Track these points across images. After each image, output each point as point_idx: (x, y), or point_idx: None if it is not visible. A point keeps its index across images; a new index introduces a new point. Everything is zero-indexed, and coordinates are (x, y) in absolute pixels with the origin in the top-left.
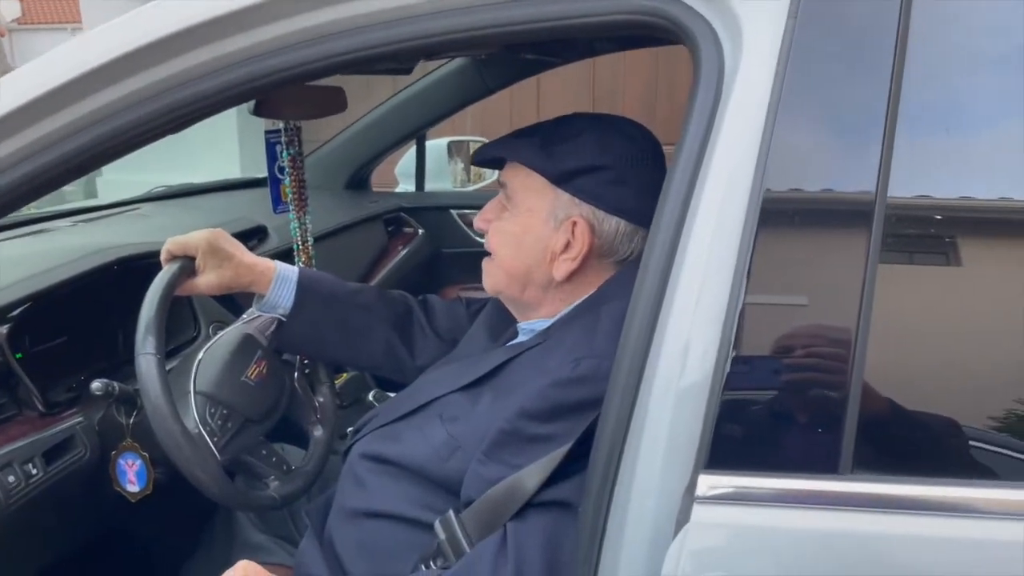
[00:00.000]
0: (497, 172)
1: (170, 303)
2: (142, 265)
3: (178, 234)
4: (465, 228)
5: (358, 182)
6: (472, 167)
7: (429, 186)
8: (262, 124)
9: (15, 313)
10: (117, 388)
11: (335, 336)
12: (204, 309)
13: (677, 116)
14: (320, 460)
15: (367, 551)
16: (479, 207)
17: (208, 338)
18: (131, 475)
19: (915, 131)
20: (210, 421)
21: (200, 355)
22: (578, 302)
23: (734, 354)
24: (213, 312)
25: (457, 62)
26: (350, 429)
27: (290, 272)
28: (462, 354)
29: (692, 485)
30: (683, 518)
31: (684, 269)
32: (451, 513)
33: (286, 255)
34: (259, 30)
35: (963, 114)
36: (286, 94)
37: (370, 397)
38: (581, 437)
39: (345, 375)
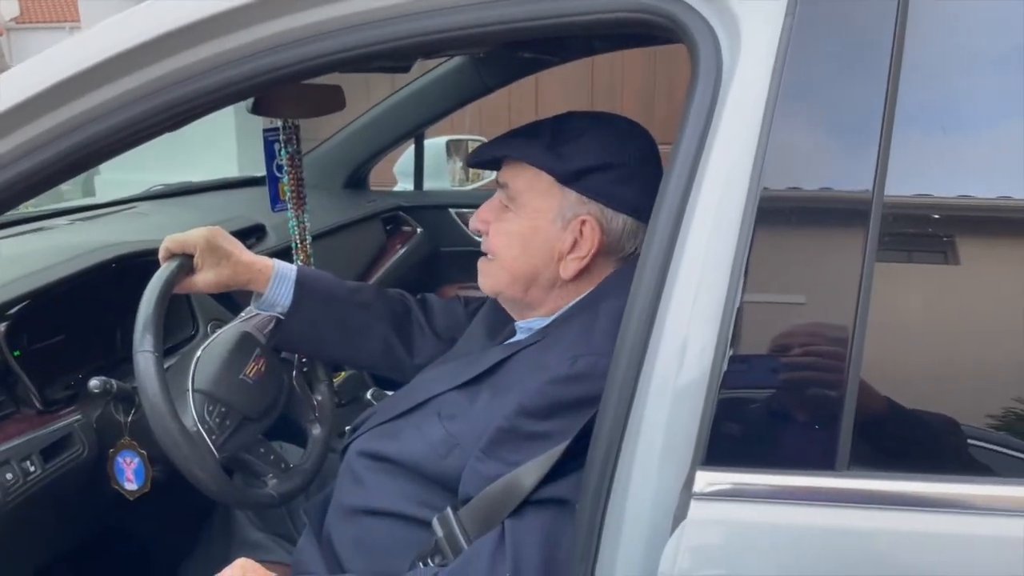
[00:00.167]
0: (495, 172)
1: (168, 301)
2: (140, 263)
3: (176, 232)
4: (463, 227)
5: (356, 181)
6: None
7: (427, 185)
8: (260, 123)
9: (13, 311)
10: (115, 386)
11: (333, 334)
12: (202, 307)
13: (675, 115)
14: (318, 458)
15: (365, 548)
16: (478, 206)
17: (206, 336)
18: (129, 473)
19: (912, 130)
20: (208, 419)
21: (198, 353)
22: (577, 300)
23: (731, 352)
24: (211, 310)
25: (455, 61)
26: (348, 427)
27: (288, 270)
28: (460, 352)
29: (689, 482)
30: (680, 515)
31: (682, 267)
32: (449, 510)
33: (284, 253)
34: (256, 28)
35: (960, 113)
36: (284, 92)
37: (368, 395)
38: (579, 435)
39: (343, 373)
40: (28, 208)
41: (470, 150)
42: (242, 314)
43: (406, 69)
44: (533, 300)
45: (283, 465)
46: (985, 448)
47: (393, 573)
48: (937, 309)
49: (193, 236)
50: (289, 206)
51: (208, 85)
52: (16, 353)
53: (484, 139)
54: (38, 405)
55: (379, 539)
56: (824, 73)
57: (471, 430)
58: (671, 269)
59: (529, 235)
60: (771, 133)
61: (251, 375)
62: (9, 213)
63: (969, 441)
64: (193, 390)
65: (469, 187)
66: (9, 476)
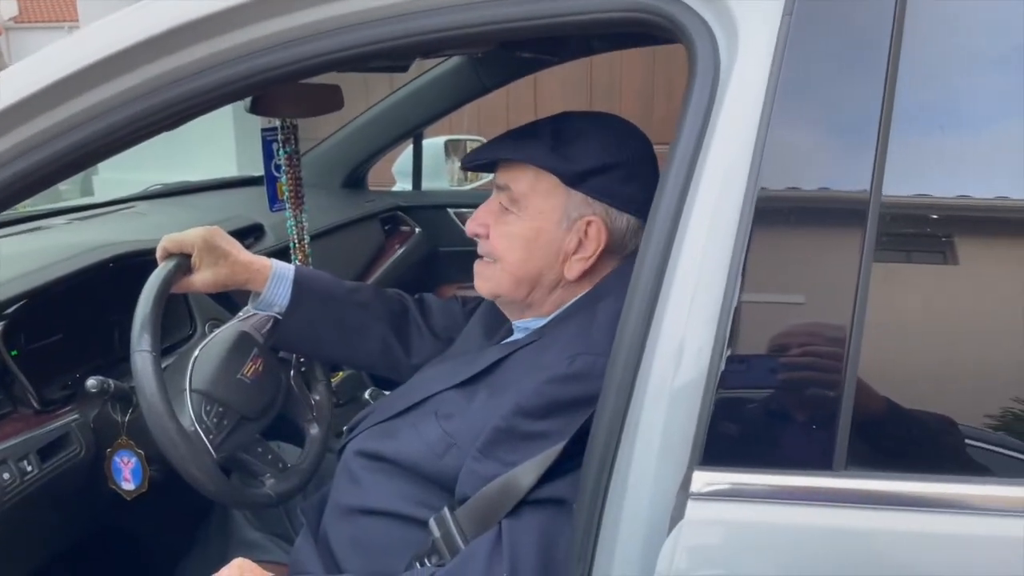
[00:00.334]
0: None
1: (166, 300)
2: (138, 263)
3: (174, 232)
4: (462, 227)
5: (355, 180)
6: None
7: (426, 185)
8: (258, 122)
9: (11, 310)
10: (112, 385)
11: (331, 334)
12: (200, 307)
13: (674, 116)
14: (316, 458)
15: (362, 548)
16: (476, 206)
17: (204, 336)
18: (126, 473)
19: (910, 130)
20: (206, 419)
21: (196, 353)
22: (575, 299)
23: (729, 351)
24: (209, 310)
25: (454, 61)
26: (345, 427)
27: (286, 270)
28: (457, 352)
29: (687, 482)
30: (677, 515)
31: (679, 266)
32: (446, 510)
33: (283, 253)
34: (254, 27)
35: (958, 113)
36: (283, 92)
37: (366, 395)
38: (576, 434)
39: (341, 373)
40: (26, 207)
41: (468, 150)
42: (240, 314)
43: (404, 69)
44: (534, 301)
45: (281, 465)
46: (982, 448)
47: (390, 573)
48: (935, 309)
49: (191, 236)
50: (287, 206)
51: (205, 84)
52: (13, 353)
53: (483, 139)
54: (35, 405)
55: (376, 539)
56: (822, 73)
57: (468, 429)
58: (669, 269)
59: (533, 237)
60: (769, 133)
61: (249, 375)
62: (7, 212)
63: (966, 441)
64: (191, 390)
65: (467, 187)
66: (6, 476)
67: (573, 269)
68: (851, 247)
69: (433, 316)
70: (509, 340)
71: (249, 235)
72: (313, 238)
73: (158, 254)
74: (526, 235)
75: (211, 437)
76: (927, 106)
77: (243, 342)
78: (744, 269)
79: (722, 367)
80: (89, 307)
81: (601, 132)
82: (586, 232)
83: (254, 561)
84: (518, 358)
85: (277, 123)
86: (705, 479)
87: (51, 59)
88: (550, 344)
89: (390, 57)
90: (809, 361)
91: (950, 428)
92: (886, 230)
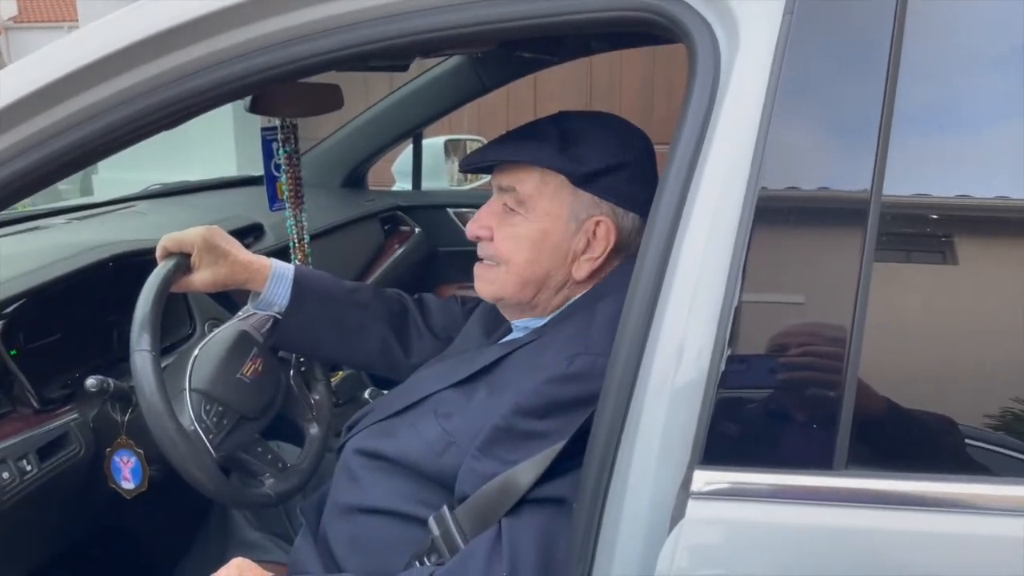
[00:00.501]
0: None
1: (165, 300)
2: (137, 262)
3: (174, 231)
4: (462, 227)
5: (354, 180)
6: None
7: (425, 184)
8: (258, 122)
9: (10, 309)
10: (112, 385)
11: (331, 334)
12: (199, 306)
13: (674, 115)
14: (316, 457)
15: (361, 547)
16: (476, 206)
17: (203, 335)
18: (126, 472)
19: (910, 129)
20: (205, 418)
21: (195, 352)
22: (575, 298)
23: (729, 351)
24: (208, 309)
25: (453, 60)
26: (345, 426)
27: (286, 270)
28: (457, 351)
29: (687, 481)
30: (678, 514)
31: (680, 266)
32: (445, 509)
33: (282, 253)
34: (254, 25)
35: (958, 113)
36: (283, 91)
37: (366, 395)
38: (576, 434)
39: (341, 373)
40: (25, 207)
41: (468, 150)
42: (239, 313)
43: (404, 68)
44: (539, 302)
45: (280, 464)
46: (983, 448)
47: (390, 572)
48: (935, 309)
49: (191, 235)
50: (287, 205)
51: (204, 83)
52: (13, 352)
53: (482, 139)
54: (35, 404)
55: (375, 538)
56: (822, 72)
57: (468, 428)
58: (669, 268)
59: (540, 238)
60: (769, 132)
61: (248, 374)
62: (6, 211)
63: (967, 441)
64: (190, 389)
65: (467, 187)
66: (5, 475)
67: (582, 269)
68: (851, 247)
69: (432, 316)
70: (509, 339)
71: (249, 234)
72: (313, 238)
73: (158, 253)
74: (533, 236)
75: (211, 437)
76: (928, 106)
77: (243, 342)
78: (744, 269)
79: (722, 367)
80: (88, 306)
81: (606, 132)
82: (594, 232)
83: (253, 561)
84: (517, 357)
85: (277, 122)
86: (706, 478)
87: (50, 58)
88: (549, 344)
89: (389, 56)
90: (809, 361)
91: (950, 428)
92: (886, 230)
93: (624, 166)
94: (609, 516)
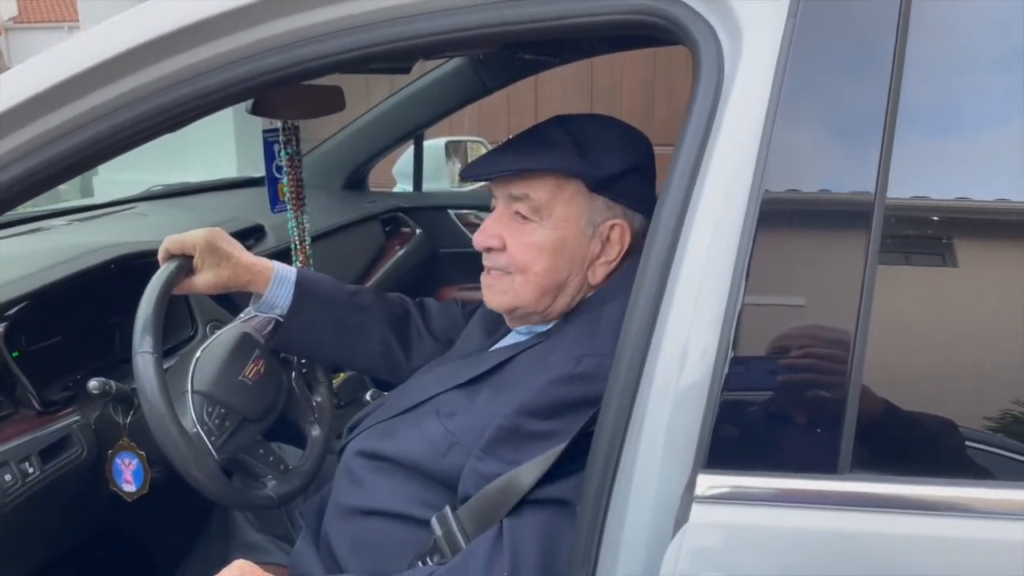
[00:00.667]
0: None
1: (168, 302)
2: (139, 264)
3: (175, 233)
4: (463, 228)
5: (355, 182)
6: None
7: (427, 186)
8: (258, 123)
9: (12, 312)
10: (114, 387)
11: (332, 336)
12: (201, 308)
13: (675, 117)
14: (317, 459)
15: (362, 549)
16: (477, 207)
17: (205, 337)
18: (128, 474)
19: (914, 132)
20: (207, 420)
21: (197, 354)
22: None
23: (733, 354)
24: (210, 311)
25: (455, 62)
26: (346, 427)
27: (288, 272)
28: (457, 354)
29: (691, 485)
30: (682, 518)
31: (683, 269)
32: (447, 509)
33: (283, 254)
34: (258, 28)
35: (963, 115)
36: (284, 93)
37: (367, 396)
38: (579, 436)
39: (343, 375)
40: (26, 208)
41: (469, 151)
42: (241, 315)
43: (407, 70)
44: (553, 310)
45: (282, 466)
46: (988, 452)
47: (391, 573)
48: (939, 312)
49: (193, 237)
50: (288, 207)
51: (208, 86)
52: (15, 354)
53: (483, 140)
54: (37, 406)
55: (377, 539)
56: (826, 75)
57: (471, 428)
58: (673, 270)
59: (558, 245)
60: (773, 135)
61: (250, 376)
62: (7, 213)
63: (971, 445)
64: (192, 391)
65: (468, 188)
66: (8, 477)
67: (597, 274)
68: (855, 250)
69: (433, 319)
70: (513, 342)
71: (250, 236)
72: (314, 239)
73: (160, 255)
74: (551, 244)
75: (213, 439)
76: (932, 108)
77: (245, 344)
78: (748, 271)
79: (726, 369)
80: (90, 308)
81: (613, 135)
82: (608, 236)
83: (255, 563)
84: (523, 359)
85: (278, 124)
86: (709, 482)
87: (55, 60)
88: (555, 345)
89: (394, 58)
90: (813, 364)
91: (955, 431)
92: (891, 232)
93: (636, 169)
94: (613, 519)
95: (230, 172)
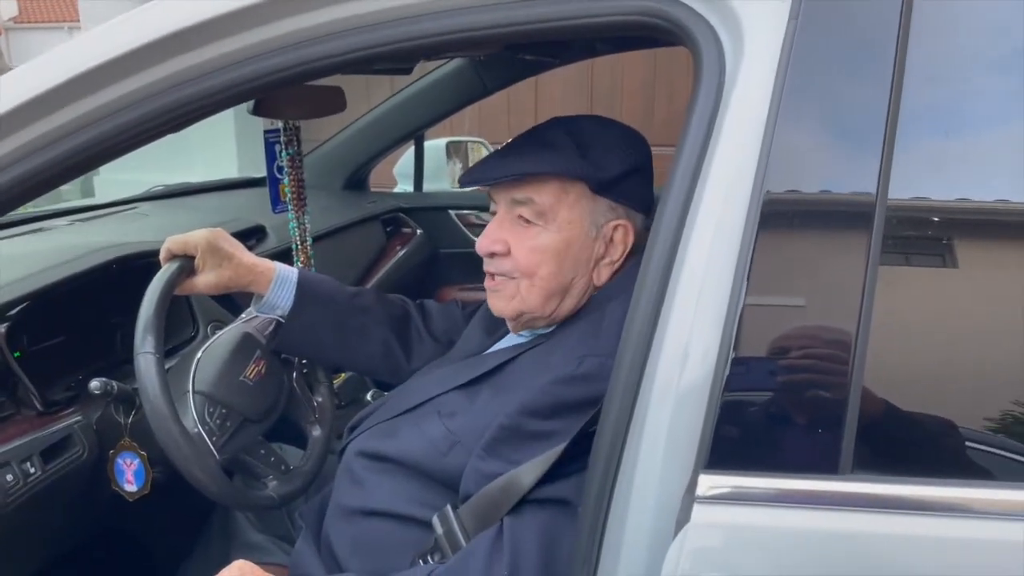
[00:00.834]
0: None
1: (169, 302)
2: (141, 264)
3: (177, 233)
4: (463, 229)
5: (356, 182)
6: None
7: (427, 186)
8: (259, 123)
9: (13, 312)
10: (116, 387)
11: (333, 337)
12: (202, 309)
13: (675, 118)
14: (318, 460)
15: (363, 549)
16: (477, 207)
17: (207, 338)
18: (129, 474)
19: (916, 133)
20: (209, 420)
21: (199, 354)
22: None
23: (734, 355)
24: (211, 312)
25: (456, 63)
26: (347, 427)
27: (290, 273)
28: (458, 355)
29: (692, 485)
30: (683, 518)
31: (685, 270)
32: (448, 508)
33: (285, 255)
34: (262, 29)
35: (964, 116)
36: (286, 94)
37: (368, 397)
38: (580, 436)
39: (343, 375)
40: (27, 209)
41: (470, 151)
42: (242, 316)
43: (408, 71)
44: (559, 313)
45: (283, 467)
46: (989, 452)
47: (392, 574)
48: (941, 313)
49: (195, 237)
50: (290, 207)
51: (213, 86)
52: (16, 354)
53: (484, 141)
54: (38, 406)
55: (378, 540)
56: (827, 77)
57: (472, 427)
58: (674, 271)
59: (564, 248)
60: (774, 136)
61: (251, 377)
62: (8, 213)
63: (972, 445)
64: (194, 391)
65: (468, 189)
66: (9, 477)
67: (602, 275)
68: (857, 251)
69: (433, 320)
70: (514, 343)
71: (251, 237)
72: (315, 240)
73: (162, 256)
74: (556, 247)
75: (214, 439)
76: (933, 110)
77: (246, 344)
78: (750, 272)
79: (728, 370)
80: (92, 309)
81: (614, 136)
82: (612, 237)
83: (255, 563)
84: (524, 359)
85: (280, 125)
86: (711, 482)
87: (60, 60)
88: (557, 345)
89: (397, 59)
90: (814, 364)
91: (957, 432)
92: (892, 234)
93: (638, 170)
94: (614, 519)
95: (231, 172)
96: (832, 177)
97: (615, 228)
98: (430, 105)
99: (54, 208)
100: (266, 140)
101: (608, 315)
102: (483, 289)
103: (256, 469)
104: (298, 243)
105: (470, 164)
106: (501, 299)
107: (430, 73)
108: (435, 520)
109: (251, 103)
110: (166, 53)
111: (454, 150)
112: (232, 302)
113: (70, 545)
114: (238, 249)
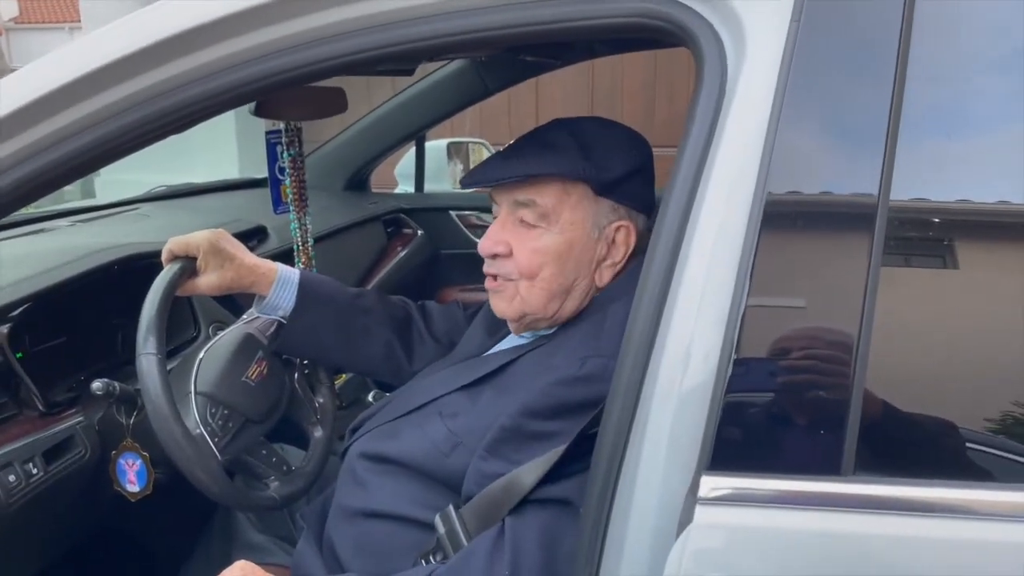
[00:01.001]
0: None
1: (171, 303)
2: (143, 265)
3: (178, 234)
4: (464, 229)
5: (357, 183)
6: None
7: (428, 187)
8: (260, 124)
9: (16, 313)
10: (118, 388)
11: (335, 339)
12: (204, 309)
13: (676, 118)
14: (320, 461)
15: (365, 551)
16: (478, 208)
17: (208, 339)
18: (131, 475)
19: (918, 135)
20: (211, 421)
21: (201, 355)
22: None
23: (736, 356)
24: (213, 313)
25: (457, 64)
26: (349, 428)
27: (291, 274)
28: (459, 356)
29: (695, 486)
30: (685, 519)
31: (687, 271)
32: (451, 508)
33: (286, 256)
34: (265, 30)
35: (966, 118)
36: (287, 95)
37: (369, 397)
38: (580, 437)
39: (345, 376)
40: (29, 209)
41: (471, 152)
42: (244, 316)
43: (410, 72)
44: (561, 314)
45: (285, 468)
46: (991, 454)
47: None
48: (943, 314)
49: (197, 238)
50: (291, 208)
51: (219, 86)
52: (19, 355)
53: (485, 142)
54: (40, 407)
55: (380, 541)
56: (829, 78)
57: (474, 428)
58: (676, 272)
59: (566, 250)
60: (776, 138)
61: (253, 378)
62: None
63: (975, 446)
64: (196, 392)
65: (469, 189)
66: (11, 478)
67: (604, 276)
68: (859, 252)
69: (434, 321)
70: (516, 344)
71: (253, 238)
72: (316, 240)
73: (163, 257)
74: (559, 249)
75: (216, 440)
76: (935, 111)
77: (248, 345)
78: (752, 273)
79: (730, 371)
80: (94, 310)
81: (614, 137)
82: (614, 238)
83: (257, 563)
84: (526, 360)
85: (281, 126)
86: (713, 483)
87: (64, 61)
88: (559, 347)
89: (400, 60)
90: (816, 366)
91: (958, 433)
92: (894, 235)
93: (640, 171)
94: (616, 519)
95: (232, 173)
96: (834, 178)
97: (617, 229)
98: (431, 106)
99: (56, 209)
100: (268, 141)
101: (610, 316)
102: (484, 290)
103: (258, 470)
104: (299, 244)
105: (471, 165)
106: (503, 300)
107: (431, 74)
108: (437, 520)
109: (252, 104)
110: (173, 53)
111: (455, 151)
112: (234, 303)
113: (71, 545)
114: (240, 250)
